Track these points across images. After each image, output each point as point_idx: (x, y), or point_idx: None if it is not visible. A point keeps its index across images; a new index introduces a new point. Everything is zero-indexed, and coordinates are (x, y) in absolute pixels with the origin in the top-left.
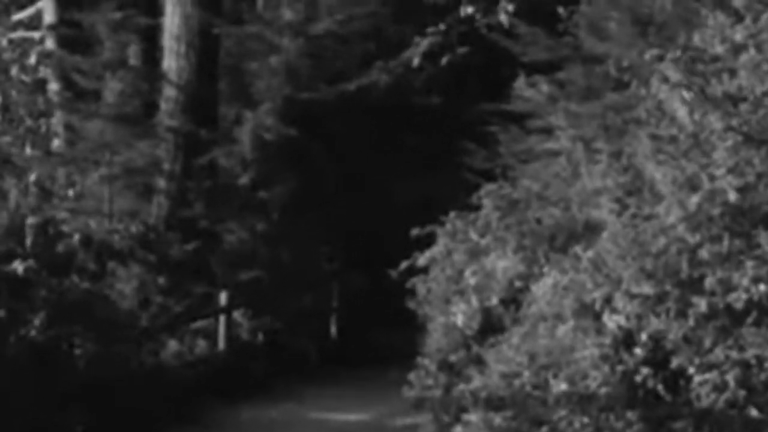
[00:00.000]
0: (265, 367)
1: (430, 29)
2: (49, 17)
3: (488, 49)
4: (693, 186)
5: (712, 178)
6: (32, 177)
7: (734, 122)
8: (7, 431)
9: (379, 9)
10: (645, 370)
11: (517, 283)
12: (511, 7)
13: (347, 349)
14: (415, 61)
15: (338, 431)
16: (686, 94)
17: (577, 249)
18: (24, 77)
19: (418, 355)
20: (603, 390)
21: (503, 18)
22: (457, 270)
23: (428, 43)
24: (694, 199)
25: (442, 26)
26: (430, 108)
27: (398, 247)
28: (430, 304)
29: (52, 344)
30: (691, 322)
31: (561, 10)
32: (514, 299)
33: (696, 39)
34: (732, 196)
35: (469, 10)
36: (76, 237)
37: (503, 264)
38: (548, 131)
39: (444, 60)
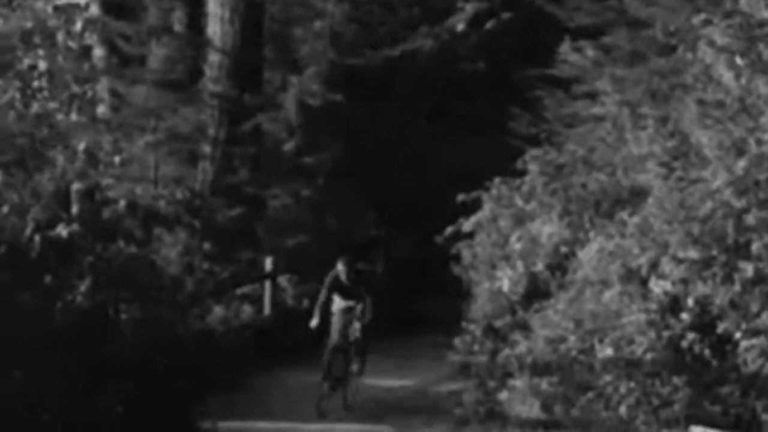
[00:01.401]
0: (309, 332)
1: None
2: None
3: (533, 14)
4: (740, 150)
5: (759, 142)
6: (81, 145)
7: None
8: (55, 396)
9: None
10: (691, 336)
11: (563, 249)
12: None
13: (392, 314)
14: (460, 26)
15: (383, 396)
16: (734, 59)
17: (623, 214)
18: (70, 43)
19: (464, 321)
20: (649, 355)
21: None
22: (503, 235)
23: (473, 8)
24: (741, 164)
25: None
26: (475, 73)
27: (444, 213)
28: (475, 269)
29: (98, 309)
30: (737, 287)
31: None
32: (559, 265)
33: (743, 3)
34: None
35: None
36: (122, 203)
37: (549, 229)
38: (593, 96)
39: (489, 25)
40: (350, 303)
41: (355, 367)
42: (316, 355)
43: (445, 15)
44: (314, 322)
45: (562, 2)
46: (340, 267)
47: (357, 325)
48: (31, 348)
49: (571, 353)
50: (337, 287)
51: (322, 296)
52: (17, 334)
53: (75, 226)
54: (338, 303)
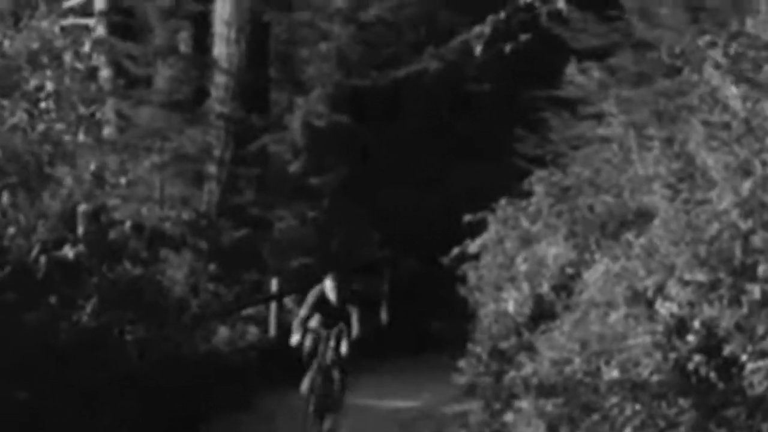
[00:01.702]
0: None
1: (491, 17)
2: (100, 4)
3: (539, 36)
4: (746, 172)
5: (764, 164)
6: (92, 166)
7: None
8: (59, 417)
9: None
10: (697, 358)
11: (569, 270)
12: None
13: (398, 335)
14: (477, 50)
15: (388, 418)
16: (740, 81)
17: (629, 236)
18: (77, 65)
19: (469, 342)
20: (655, 377)
21: (562, 5)
22: (509, 257)
23: (490, 30)
24: (747, 185)
25: (503, 14)
26: (481, 94)
27: (449, 234)
28: (481, 290)
29: (103, 330)
30: (744, 309)
31: None
32: (565, 286)
33: (748, 25)
34: None
35: None
36: (128, 224)
37: (554, 251)
38: (599, 117)
39: (507, 48)
40: (329, 325)
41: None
42: None
43: (450, 35)
44: (295, 339)
45: (568, 24)
46: (329, 284)
47: (344, 342)
48: (36, 367)
49: (577, 375)
50: (321, 306)
51: (303, 313)
52: (22, 353)
53: (81, 247)
54: (317, 322)
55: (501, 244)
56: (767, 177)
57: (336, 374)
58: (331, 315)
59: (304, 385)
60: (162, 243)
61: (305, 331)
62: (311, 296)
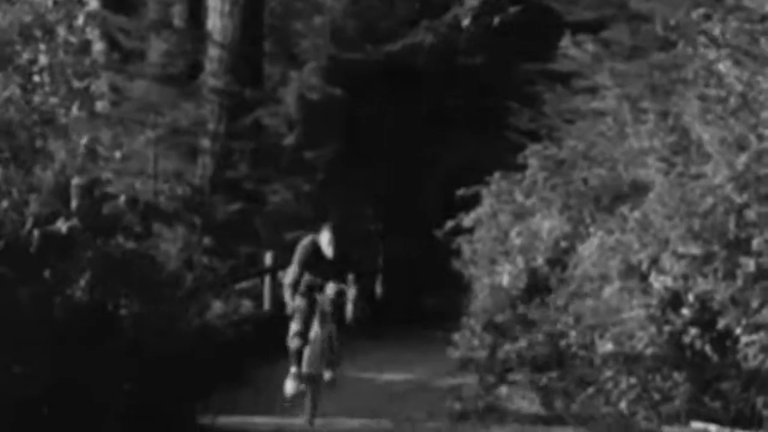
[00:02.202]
0: None
1: None
2: None
3: (533, 9)
4: (741, 146)
5: (760, 138)
6: (84, 139)
7: None
8: (55, 391)
9: None
10: (692, 331)
11: (563, 244)
12: None
13: (393, 309)
14: (465, 22)
15: (383, 390)
16: (736, 55)
17: (624, 209)
18: (71, 38)
19: (464, 316)
20: (650, 350)
21: None
22: (503, 231)
23: (480, 3)
24: (742, 159)
25: None
26: (475, 68)
27: (444, 208)
28: (475, 264)
29: (97, 304)
30: (738, 282)
31: None
32: (559, 260)
33: None
34: None
35: None
36: (122, 198)
37: (549, 224)
38: (594, 91)
39: (495, 20)
40: (328, 283)
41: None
42: None
43: (445, 9)
44: (294, 303)
45: None
46: (326, 235)
47: (350, 306)
48: (31, 342)
49: (572, 348)
50: (314, 262)
51: (294, 272)
52: (16, 328)
53: (74, 221)
54: (308, 281)
55: (495, 218)
56: (762, 151)
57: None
58: (326, 275)
59: (294, 341)
60: (156, 217)
61: (295, 291)
62: (301, 251)
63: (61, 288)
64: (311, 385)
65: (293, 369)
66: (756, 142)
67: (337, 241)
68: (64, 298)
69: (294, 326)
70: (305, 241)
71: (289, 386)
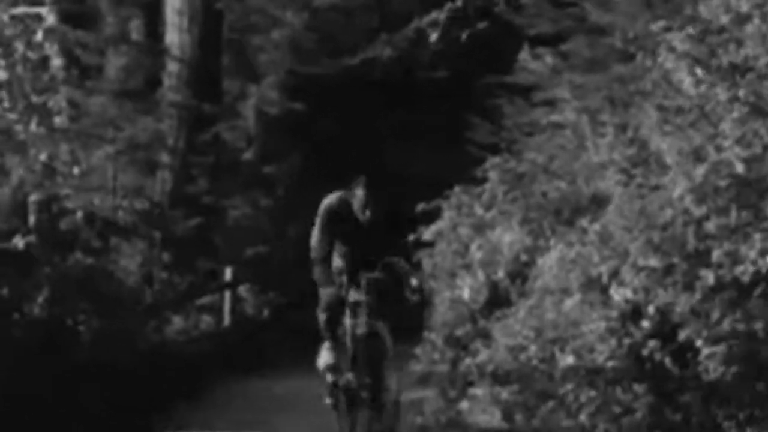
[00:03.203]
0: (270, 343)
1: (448, 4)
2: None
3: (492, 22)
4: (699, 157)
5: (718, 149)
6: (42, 156)
7: (740, 93)
8: (14, 411)
9: None
10: (652, 343)
11: (523, 257)
12: None
13: None
14: (433, 37)
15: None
16: (694, 66)
17: (584, 222)
18: (30, 53)
19: (425, 330)
20: (610, 363)
21: None
22: (463, 244)
23: (446, 18)
24: (701, 171)
25: (459, 1)
26: (435, 81)
27: (404, 221)
28: (436, 278)
29: (56, 321)
30: (698, 294)
31: None
32: (520, 273)
33: (702, 10)
34: (739, 168)
35: None
36: (79, 214)
37: (509, 237)
38: (553, 103)
39: (463, 35)
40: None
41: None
42: (280, 366)
43: (405, 23)
44: (329, 291)
45: (520, 10)
46: (360, 193)
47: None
48: None
49: (532, 362)
50: (343, 229)
51: (319, 243)
52: None
53: (32, 237)
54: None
55: (455, 231)
56: (721, 162)
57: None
58: (356, 242)
59: (324, 358)
60: (114, 232)
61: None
62: (324, 214)
63: (19, 304)
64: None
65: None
66: (714, 153)
67: (373, 204)
68: (22, 315)
69: (325, 355)
70: (329, 202)
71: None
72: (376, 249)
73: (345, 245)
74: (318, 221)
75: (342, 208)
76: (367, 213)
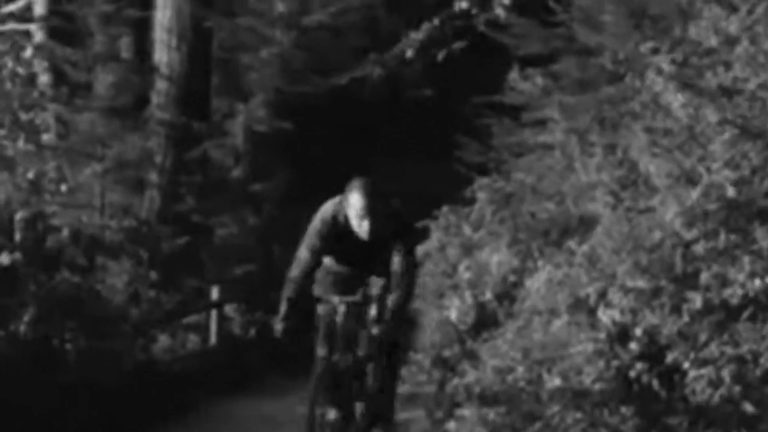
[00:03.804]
0: (257, 362)
1: (424, 24)
2: (40, 9)
3: (481, 42)
4: (689, 180)
5: (708, 171)
6: (30, 174)
7: (729, 115)
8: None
9: (372, 1)
10: (639, 366)
11: (511, 278)
12: (507, 0)
13: None
14: (409, 53)
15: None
16: (682, 87)
17: (572, 243)
18: (19, 69)
19: (411, 351)
20: (597, 385)
21: (500, 12)
22: (451, 264)
23: (422, 37)
24: (694, 194)
25: (436, 21)
26: (423, 101)
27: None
28: (423, 299)
29: (42, 340)
30: (686, 317)
31: (555, 1)
32: (508, 294)
33: (691, 31)
34: (730, 191)
35: (464, 4)
36: (66, 231)
37: (497, 258)
38: (542, 124)
39: (440, 55)
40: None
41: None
42: (267, 386)
43: (393, 42)
44: (280, 324)
45: (509, 30)
46: (356, 201)
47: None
48: None
49: (519, 383)
50: (339, 244)
51: (305, 259)
52: None
53: (17, 255)
54: (336, 274)
55: (443, 252)
56: (711, 185)
57: (374, 372)
58: (361, 265)
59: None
60: (100, 251)
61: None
62: (319, 224)
63: (4, 323)
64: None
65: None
66: (705, 175)
67: (376, 209)
68: (7, 333)
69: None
70: (324, 211)
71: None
72: (379, 268)
73: (341, 264)
74: (314, 231)
75: (341, 218)
76: (366, 225)
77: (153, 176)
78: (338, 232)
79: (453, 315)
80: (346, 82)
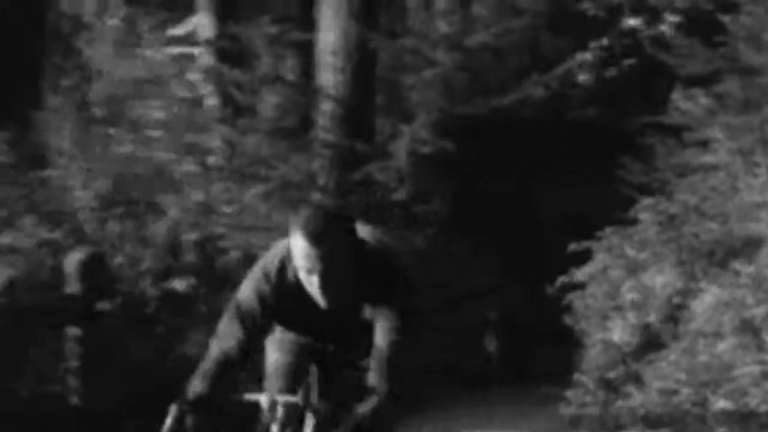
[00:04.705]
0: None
1: (592, 43)
2: (206, 32)
3: (644, 61)
4: None
5: None
6: (199, 195)
7: None
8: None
9: (535, 21)
10: None
11: (676, 299)
12: (674, 18)
13: (504, 365)
14: (580, 77)
15: None
16: None
17: (737, 264)
18: (186, 93)
19: (576, 372)
20: (764, 407)
21: (666, 29)
22: (615, 286)
23: (592, 57)
24: None
25: (605, 40)
26: (586, 121)
27: (554, 262)
28: (587, 320)
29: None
30: None
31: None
32: (672, 316)
33: None
34: None
35: (632, 22)
36: (236, 253)
37: (662, 279)
38: (705, 144)
39: (609, 73)
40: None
41: None
42: (423, 407)
43: (555, 63)
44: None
45: (673, 49)
46: (300, 246)
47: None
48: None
49: (684, 405)
50: (283, 307)
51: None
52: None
53: (191, 278)
54: (281, 345)
55: (606, 273)
56: None
57: None
58: (320, 332)
59: None
60: None
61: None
62: (262, 268)
63: (175, 344)
64: None
65: None
66: None
67: (333, 258)
68: (177, 355)
69: None
70: (274, 254)
71: None
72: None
73: (291, 328)
74: (242, 299)
75: (284, 276)
76: (316, 284)
77: (316, 197)
78: (288, 293)
79: (617, 336)
80: (508, 103)
